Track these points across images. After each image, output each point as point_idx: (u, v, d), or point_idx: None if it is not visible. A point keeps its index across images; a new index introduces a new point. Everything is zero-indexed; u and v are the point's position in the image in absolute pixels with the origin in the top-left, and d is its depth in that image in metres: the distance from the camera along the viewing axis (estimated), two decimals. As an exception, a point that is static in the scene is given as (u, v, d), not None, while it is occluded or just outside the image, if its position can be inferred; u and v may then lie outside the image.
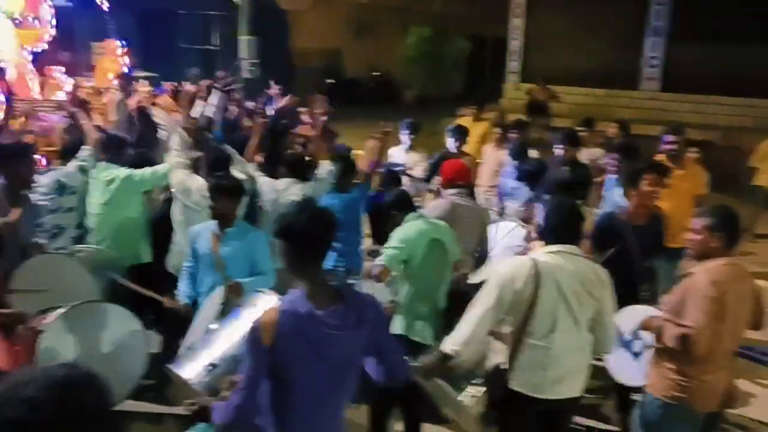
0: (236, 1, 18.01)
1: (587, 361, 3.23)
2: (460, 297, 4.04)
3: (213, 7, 20.38)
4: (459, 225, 4.31)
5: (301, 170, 4.91)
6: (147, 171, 4.79)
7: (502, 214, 5.81)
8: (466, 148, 6.91)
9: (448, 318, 3.81)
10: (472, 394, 3.23)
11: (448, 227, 4.09)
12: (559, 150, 5.95)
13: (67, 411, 1.34)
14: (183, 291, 4.11)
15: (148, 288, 4.30)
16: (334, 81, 22.72)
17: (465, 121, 8.65)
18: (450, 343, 3.12)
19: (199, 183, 4.49)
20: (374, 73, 25.21)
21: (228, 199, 3.91)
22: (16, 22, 9.42)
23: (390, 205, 4.13)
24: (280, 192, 4.88)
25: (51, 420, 1.32)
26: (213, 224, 3.98)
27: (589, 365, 3.25)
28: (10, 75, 9.14)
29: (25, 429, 1.30)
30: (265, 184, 4.96)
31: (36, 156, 5.30)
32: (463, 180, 4.83)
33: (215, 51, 20.52)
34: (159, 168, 4.80)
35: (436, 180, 5.11)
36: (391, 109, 20.95)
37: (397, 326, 3.84)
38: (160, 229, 4.86)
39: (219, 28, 20.46)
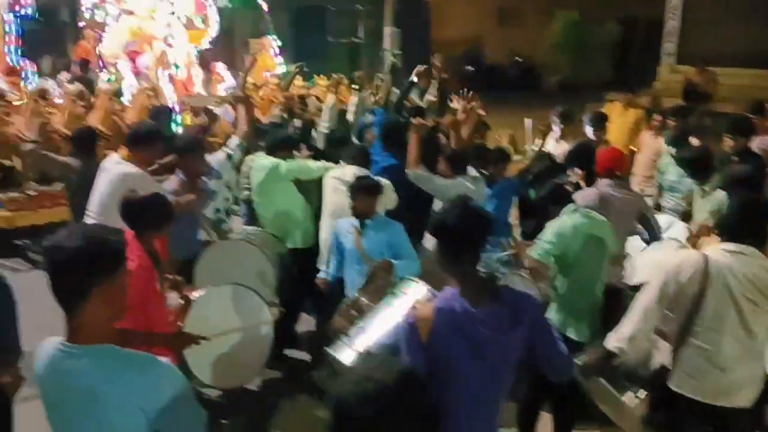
0: (382, -6, 18.38)
1: (761, 372, 2.98)
2: (617, 293, 3.97)
3: (360, 2, 20.94)
4: (611, 217, 4.13)
5: (463, 164, 4.86)
6: (295, 164, 5.02)
7: (659, 207, 5.49)
8: (611, 136, 6.58)
9: (604, 315, 3.69)
10: (635, 395, 3.10)
11: (605, 221, 3.91)
12: (728, 138, 5.48)
13: (403, 409, 1.61)
14: (329, 271, 4.44)
15: (302, 271, 4.55)
16: (475, 68, 22.60)
17: (615, 107, 8.27)
18: (614, 340, 3.01)
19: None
20: (517, 60, 24.75)
21: (368, 197, 4.11)
22: (185, 23, 10.24)
23: (545, 198, 4.03)
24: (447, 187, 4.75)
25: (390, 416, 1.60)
26: (354, 220, 4.18)
27: (764, 376, 3.01)
28: (181, 73, 9.98)
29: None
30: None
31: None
32: (617, 169, 4.60)
33: (360, 44, 21.08)
34: (311, 165, 5.05)
35: (574, 170, 4.90)
36: (535, 96, 20.55)
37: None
38: None
39: (365, 21, 20.99)
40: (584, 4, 22.02)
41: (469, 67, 22.36)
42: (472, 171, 4.95)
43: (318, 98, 9.97)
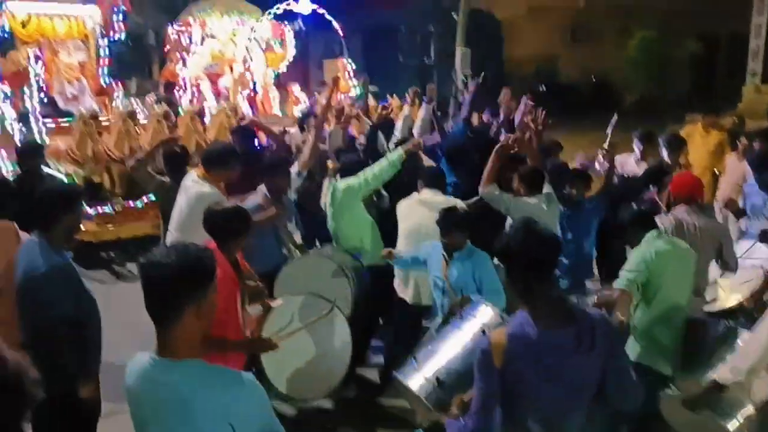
0: (454, 16, 18.48)
1: None
2: (699, 324, 3.77)
3: (431, 23, 21.14)
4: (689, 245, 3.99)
5: (538, 183, 4.69)
6: (363, 177, 4.98)
7: (745, 232, 5.25)
8: (692, 159, 6.36)
9: (687, 346, 3.56)
10: (741, 424, 2.99)
11: (689, 248, 3.77)
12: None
13: None
14: (401, 263, 4.44)
15: (376, 288, 4.60)
16: (547, 87, 22.30)
17: (696, 128, 7.98)
18: (731, 374, 2.90)
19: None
20: (591, 78, 24.25)
21: (458, 233, 3.97)
22: (264, 47, 10.62)
23: (628, 222, 3.87)
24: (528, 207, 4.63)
25: None
26: (441, 247, 4.05)
27: None
28: (259, 94, 10.34)
29: None
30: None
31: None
32: (695, 195, 4.38)
33: (432, 64, 21.25)
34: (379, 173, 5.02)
35: (650, 193, 4.74)
36: (610, 114, 19.94)
37: (630, 352, 3.58)
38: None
39: (436, 42, 21.16)
40: (663, 20, 21.41)
41: (542, 86, 22.09)
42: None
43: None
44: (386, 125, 7.48)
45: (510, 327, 2.25)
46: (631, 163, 6.18)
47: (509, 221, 4.70)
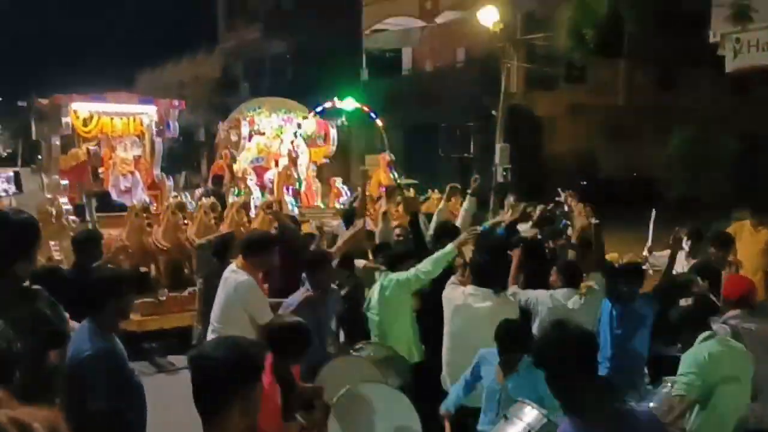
0: (494, 112, 18.97)
1: None
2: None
3: (471, 119, 21.71)
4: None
5: (578, 277, 4.64)
6: (415, 271, 4.93)
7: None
8: (742, 257, 6.23)
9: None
10: None
11: (745, 350, 3.65)
12: None
13: None
14: (451, 399, 4.09)
15: (420, 389, 4.41)
16: (588, 183, 22.35)
17: (744, 226, 7.85)
18: None
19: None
20: (633, 175, 24.28)
21: (519, 348, 3.72)
22: (308, 141, 11.02)
23: (680, 322, 3.78)
24: (556, 301, 4.58)
25: None
26: (496, 355, 3.83)
27: None
28: (302, 188, 10.63)
29: None
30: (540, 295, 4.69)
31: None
32: (748, 298, 4.24)
33: (471, 159, 21.64)
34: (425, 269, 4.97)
35: (700, 287, 4.59)
36: (650, 212, 19.80)
37: None
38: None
39: (476, 137, 21.64)
40: (703, 119, 21.56)
41: (582, 182, 22.16)
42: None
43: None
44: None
45: None
46: (679, 260, 6.03)
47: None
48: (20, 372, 1.92)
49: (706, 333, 3.63)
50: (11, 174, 3.88)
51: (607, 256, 6.02)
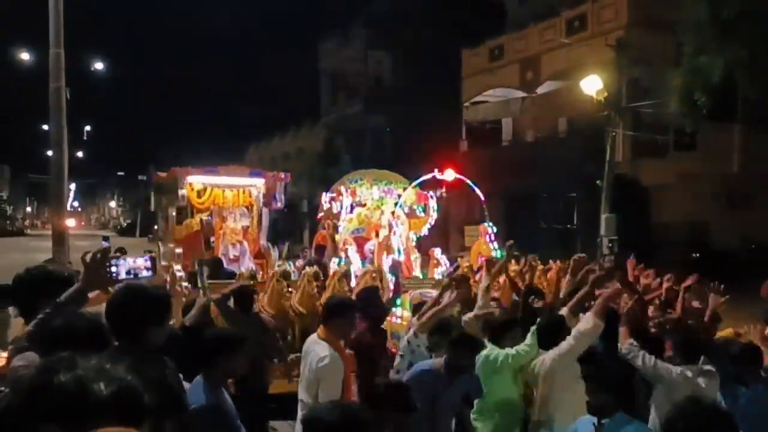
0: (598, 182, 18.52)
1: None
2: None
3: (574, 189, 21.26)
4: None
5: (696, 352, 4.36)
6: (513, 351, 4.77)
7: None
8: None
9: None
10: None
11: None
12: None
13: None
14: None
15: None
16: (700, 255, 21.14)
17: None
18: None
19: None
20: (749, 246, 22.75)
21: (604, 391, 3.52)
22: (407, 212, 11.10)
23: None
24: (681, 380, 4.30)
25: None
26: (591, 418, 3.62)
27: None
28: (402, 257, 10.65)
29: None
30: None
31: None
32: None
33: (574, 229, 21.08)
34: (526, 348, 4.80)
35: None
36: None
37: None
38: None
39: (580, 207, 21.13)
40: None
41: (695, 254, 20.98)
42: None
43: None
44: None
45: None
46: None
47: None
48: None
49: None
50: (148, 258, 4.14)
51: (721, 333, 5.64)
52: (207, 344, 3.51)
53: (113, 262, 2.81)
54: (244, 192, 9.98)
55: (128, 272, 2.88)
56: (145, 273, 2.95)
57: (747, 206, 22.72)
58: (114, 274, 2.80)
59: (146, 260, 2.98)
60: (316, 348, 4.35)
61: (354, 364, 4.53)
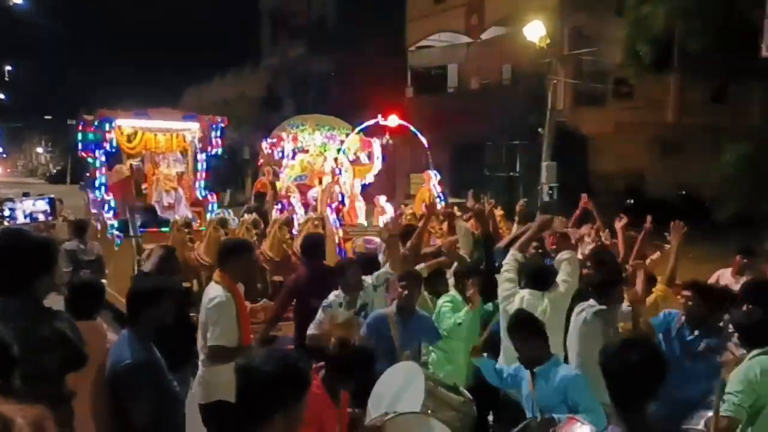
0: (540, 130, 18.67)
1: None
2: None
3: (518, 137, 21.43)
4: None
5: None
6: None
7: None
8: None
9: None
10: None
11: None
12: None
13: None
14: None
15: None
16: (634, 201, 21.85)
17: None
18: None
19: None
20: (681, 193, 23.64)
21: (534, 339, 3.73)
22: (352, 159, 10.90)
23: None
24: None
25: None
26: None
27: None
28: (346, 205, 10.50)
29: None
30: None
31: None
32: None
33: (517, 177, 21.34)
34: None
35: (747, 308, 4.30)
36: (702, 230, 19.23)
37: None
38: None
39: (523, 155, 21.35)
40: (754, 136, 20.85)
41: (629, 200, 21.64)
42: None
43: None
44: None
45: None
46: (726, 276, 6.04)
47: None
48: (38, 393, 1.86)
49: (758, 349, 3.45)
50: (48, 199, 3.89)
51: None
52: (137, 295, 3.39)
53: (8, 205, 2.59)
54: (177, 136, 9.56)
55: (26, 215, 2.68)
56: (42, 217, 2.75)
57: (680, 155, 23.48)
58: (9, 218, 2.59)
59: (47, 202, 2.77)
60: (209, 291, 4.22)
61: (245, 314, 4.31)
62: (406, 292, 4.60)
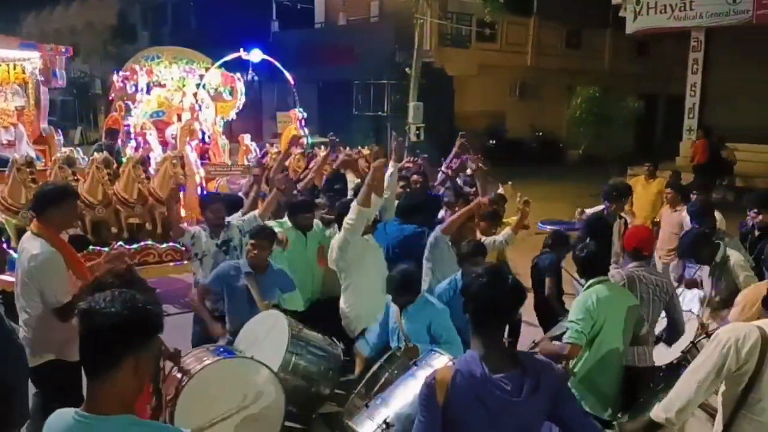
0: (407, 70, 18.85)
1: None
2: (638, 374, 3.85)
3: (385, 77, 21.51)
4: (639, 301, 3.98)
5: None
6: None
7: (680, 281, 5.34)
8: (635, 209, 6.53)
9: (630, 393, 3.60)
10: None
11: (630, 294, 3.84)
12: (752, 213, 5.39)
13: None
14: (372, 342, 4.31)
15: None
16: (495, 141, 22.91)
17: (638, 180, 8.26)
18: (663, 412, 2.86)
19: None
20: (538, 134, 25.09)
21: (407, 293, 4.04)
22: (212, 95, 10.52)
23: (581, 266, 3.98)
24: None
25: None
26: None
27: None
28: (208, 142, 10.18)
29: None
30: None
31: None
32: (648, 250, 4.44)
33: (385, 117, 21.53)
34: None
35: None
36: (555, 169, 20.64)
37: None
38: None
39: (390, 96, 21.51)
40: (604, 80, 22.37)
41: (491, 141, 22.63)
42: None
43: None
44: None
45: (457, 364, 2.27)
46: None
47: None
48: None
49: (597, 278, 3.80)
50: None
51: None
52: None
53: None
54: (15, 68, 8.71)
55: None
56: None
57: (536, 97, 24.76)
58: None
59: None
60: (28, 246, 3.75)
61: (76, 261, 3.92)
62: (255, 251, 4.52)
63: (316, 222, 5.51)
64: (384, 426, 2.84)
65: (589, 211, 6.37)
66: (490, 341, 2.26)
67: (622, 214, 6.26)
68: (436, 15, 20.95)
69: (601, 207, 6.13)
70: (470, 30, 23.30)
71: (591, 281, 3.81)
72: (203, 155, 10.01)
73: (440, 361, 3.12)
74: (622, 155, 17.17)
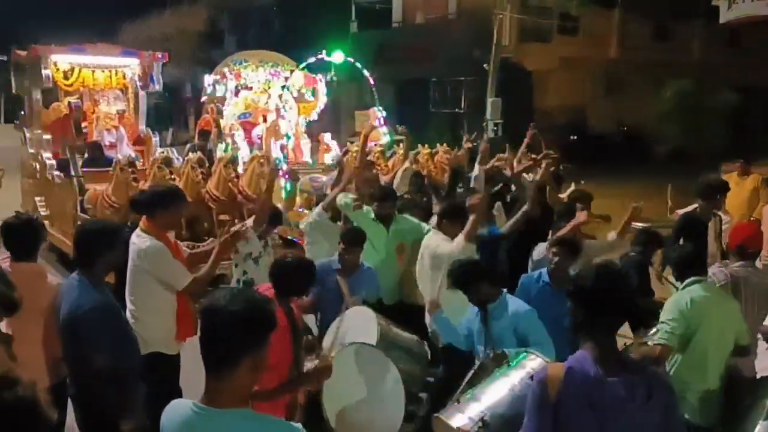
0: (485, 66, 18.68)
1: None
2: (740, 384, 3.64)
3: (463, 73, 21.39)
4: (744, 303, 3.82)
5: None
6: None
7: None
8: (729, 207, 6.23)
9: (722, 402, 3.46)
10: None
11: (730, 297, 3.67)
12: None
13: None
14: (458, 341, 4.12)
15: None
16: (577, 137, 22.30)
17: (730, 177, 7.89)
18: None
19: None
20: (622, 129, 24.21)
21: (481, 282, 3.75)
22: (296, 96, 10.82)
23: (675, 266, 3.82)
24: None
25: None
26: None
27: None
28: (291, 142, 10.49)
29: None
30: None
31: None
32: (755, 248, 4.22)
33: (463, 114, 21.42)
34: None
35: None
36: (643, 166, 19.89)
37: None
38: None
39: (468, 92, 21.37)
40: (694, 73, 21.39)
41: (572, 137, 22.08)
42: None
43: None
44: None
45: (569, 362, 2.18)
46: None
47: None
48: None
49: (693, 278, 3.63)
50: None
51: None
52: (88, 238, 3.22)
53: None
54: (116, 73, 9.27)
55: None
56: None
57: (622, 91, 23.91)
58: None
59: None
60: (137, 242, 3.90)
61: (181, 259, 4.06)
62: (346, 256, 4.57)
63: (414, 220, 5.44)
64: (480, 424, 2.74)
65: (680, 211, 6.12)
66: (603, 342, 2.17)
67: (718, 212, 5.99)
68: (516, 10, 20.65)
69: (694, 206, 5.88)
70: (551, 24, 22.78)
71: (687, 281, 3.65)
72: (286, 154, 10.33)
73: (534, 362, 3.00)
74: (713, 151, 16.37)
